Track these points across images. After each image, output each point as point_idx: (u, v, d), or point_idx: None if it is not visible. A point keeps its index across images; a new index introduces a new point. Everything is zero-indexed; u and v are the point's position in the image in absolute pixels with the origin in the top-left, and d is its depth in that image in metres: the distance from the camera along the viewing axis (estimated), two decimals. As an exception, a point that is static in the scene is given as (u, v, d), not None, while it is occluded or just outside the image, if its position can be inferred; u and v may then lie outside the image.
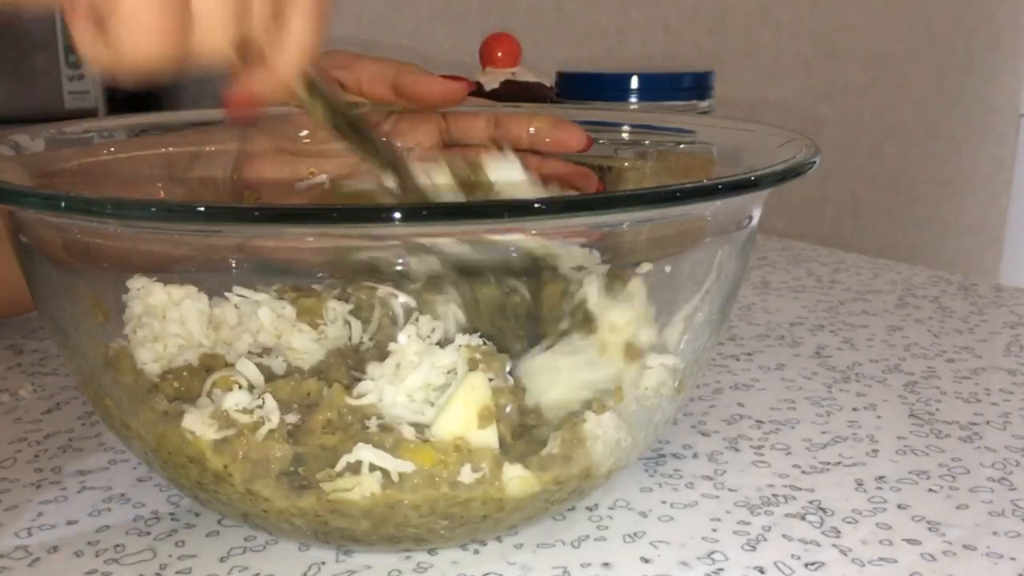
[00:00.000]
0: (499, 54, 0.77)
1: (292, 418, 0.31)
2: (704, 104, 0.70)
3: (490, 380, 0.31)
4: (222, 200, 0.48)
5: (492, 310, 0.34)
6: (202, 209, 0.27)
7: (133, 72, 0.30)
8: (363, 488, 0.30)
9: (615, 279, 0.35)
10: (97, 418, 0.45)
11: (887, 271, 0.73)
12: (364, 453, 0.30)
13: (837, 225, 1.63)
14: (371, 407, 0.31)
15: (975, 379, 0.51)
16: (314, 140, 0.48)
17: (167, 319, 0.34)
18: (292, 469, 0.31)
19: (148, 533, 0.35)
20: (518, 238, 0.32)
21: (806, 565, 0.33)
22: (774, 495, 0.38)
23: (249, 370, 0.32)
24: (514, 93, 0.75)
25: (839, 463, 0.41)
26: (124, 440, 0.34)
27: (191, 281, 0.35)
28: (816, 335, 0.58)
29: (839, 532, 0.35)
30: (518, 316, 0.35)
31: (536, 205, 0.27)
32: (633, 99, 0.68)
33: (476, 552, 0.34)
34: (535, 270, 0.36)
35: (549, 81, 0.76)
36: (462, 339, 0.32)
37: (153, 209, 0.27)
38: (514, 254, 0.33)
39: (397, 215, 0.26)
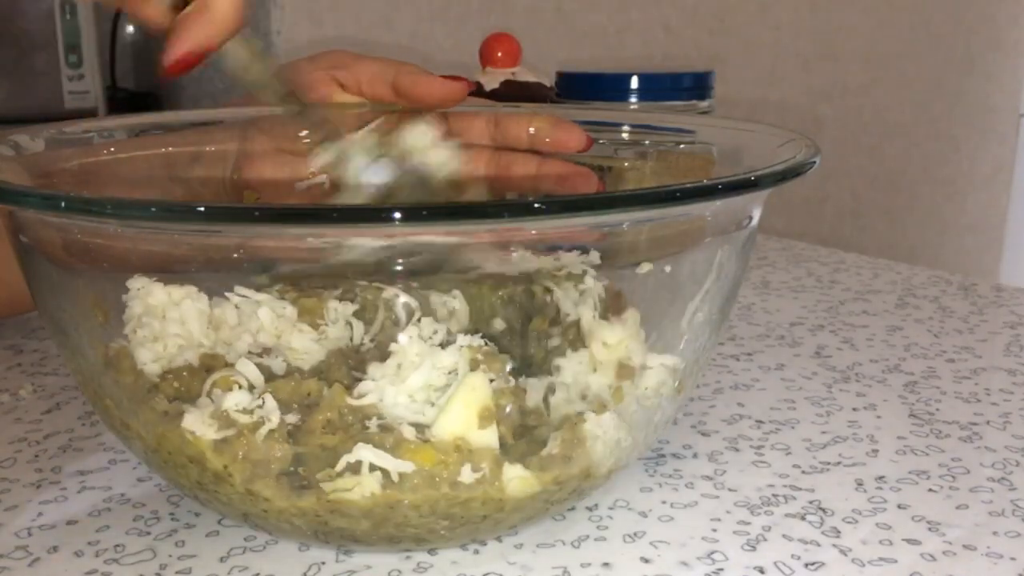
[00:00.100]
0: (499, 54, 0.77)
1: (292, 418, 0.31)
2: (704, 104, 0.70)
3: (491, 381, 0.31)
4: (222, 200, 0.48)
5: (493, 313, 0.34)
6: (202, 209, 0.26)
7: None
8: (363, 488, 0.30)
9: (609, 307, 0.36)
10: (97, 418, 0.45)
11: (887, 271, 0.73)
12: (364, 453, 0.30)
13: (837, 225, 1.63)
14: (371, 407, 0.31)
15: (975, 379, 0.51)
16: (314, 140, 0.48)
17: (167, 319, 0.35)
18: (292, 469, 0.31)
19: (148, 533, 0.35)
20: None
21: (806, 565, 0.33)
22: (774, 495, 0.38)
23: (249, 370, 0.32)
24: (514, 93, 0.75)
25: (839, 463, 0.41)
26: (124, 440, 0.34)
27: (191, 281, 0.35)
28: (816, 335, 0.58)
29: (839, 532, 0.35)
30: (512, 329, 0.35)
31: (536, 205, 0.27)
32: (633, 99, 0.68)
33: (476, 552, 0.34)
34: (530, 294, 0.36)
35: (549, 81, 0.76)
36: (463, 339, 0.32)
37: (153, 209, 0.27)
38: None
39: (397, 215, 0.26)
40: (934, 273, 0.72)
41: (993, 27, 1.71)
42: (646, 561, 0.34)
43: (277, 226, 0.28)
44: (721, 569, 0.33)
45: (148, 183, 0.46)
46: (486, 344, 0.32)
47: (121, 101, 1.28)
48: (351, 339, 0.36)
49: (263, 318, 0.35)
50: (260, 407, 0.31)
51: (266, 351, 0.35)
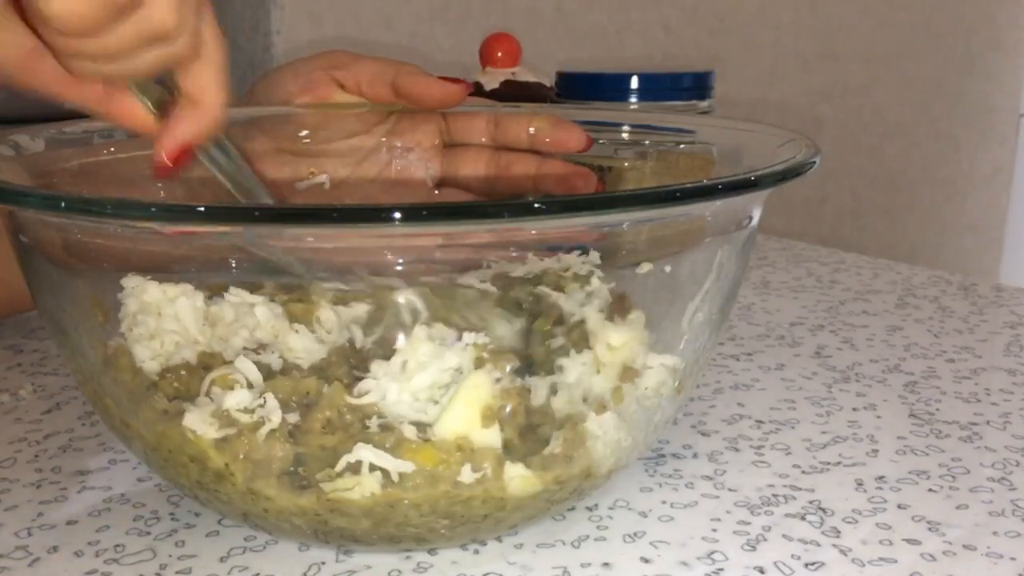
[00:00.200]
0: (499, 54, 0.77)
1: (293, 418, 0.31)
2: (704, 104, 0.70)
3: (497, 380, 0.31)
4: (222, 200, 0.48)
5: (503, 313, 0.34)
6: (202, 209, 0.26)
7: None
8: (363, 488, 0.30)
9: (615, 309, 0.36)
10: (97, 418, 0.45)
11: (887, 271, 0.73)
12: (364, 453, 0.30)
13: (837, 225, 1.63)
14: (371, 406, 0.31)
15: (975, 379, 0.51)
16: (314, 140, 0.49)
17: (162, 316, 0.34)
18: (293, 469, 0.31)
19: (148, 533, 0.35)
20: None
21: (806, 565, 0.33)
22: (774, 495, 0.38)
23: (247, 367, 0.32)
24: (514, 93, 0.75)
25: (839, 463, 0.41)
26: (124, 440, 0.34)
27: (188, 280, 0.35)
28: (816, 335, 0.58)
29: (839, 532, 0.35)
30: (517, 329, 0.35)
31: (536, 205, 0.27)
32: (633, 99, 0.68)
33: (476, 552, 0.34)
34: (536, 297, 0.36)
35: (549, 81, 0.76)
36: (469, 337, 0.31)
37: (153, 209, 0.27)
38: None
39: (397, 215, 0.26)
40: (934, 273, 0.72)
41: (993, 27, 1.71)
42: (646, 561, 0.34)
43: (277, 226, 0.28)
44: (721, 569, 0.33)
45: (148, 183, 0.46)
46: (491, 343, 0.32)
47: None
48: (350, 341, 0.35)
49: (260, 315, 0.35)
50: (261, 406, 0.31)
51: (262, 347, 0.35)
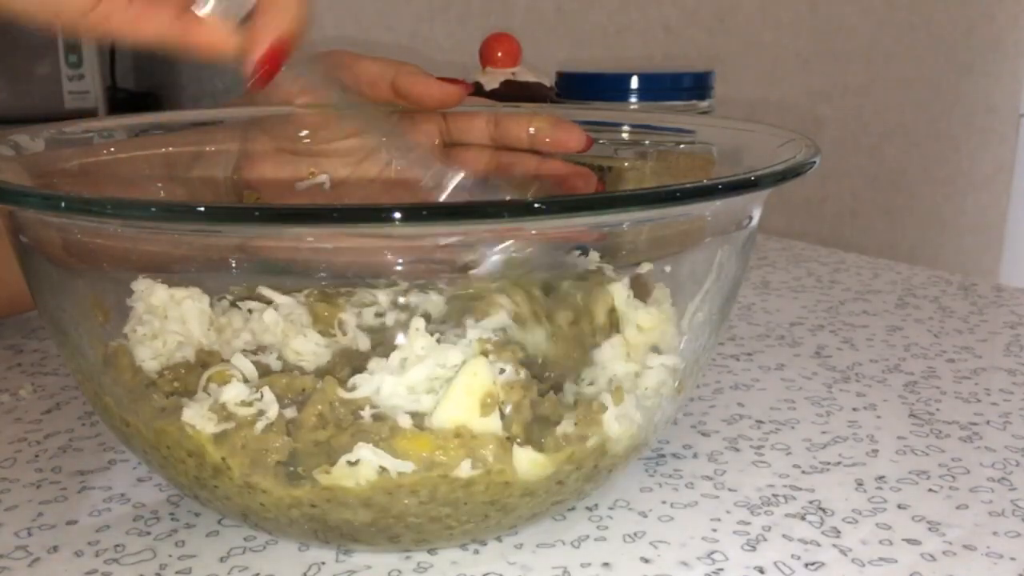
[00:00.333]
0: (499, 54, 0.77)
1: (290, 412, 0.31)
2: (704, 104, 0.70)
3: (501, 372, 0.31)
4: (222, 200, 0.48)
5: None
6: (202, 209, 0.27)
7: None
8: (359, 476, 0.30)
9: (638, 287, 0.36)
10: (97, 418, 0.45)
11: (887, 271, 0.73)
12: (364, 453, 0.30)
13: (837, 225, 1.63)
14: (364, 399, 0.31)
15: (975, 379, 0.51)
16: (314, 140, 0.49)
17: (168, 318, 0.35)
18: (289, 462, 0.31)
19: (148, 533, 0.35)
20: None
21: (806, 565, 0.33)
22: (774, 495, 0.38)
23: (243, 364, 0.32)
24: (514, 93, 0.75)
25: (839, 463, 0.41)
26: (123, 438, 0.34)
27: (193, 282, 0.35)
28: (816, 335, 0.58)
29: (839, 532, 0.35)
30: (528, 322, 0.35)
31: (536, 205, 0.27)
32: (633, 99, 0.68)
33: (476, 552, 0.34)
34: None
35: (549, 81, 0.76)
36: (474, 332, 0.31)
37: (153, 209, 0.27)
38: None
39: (397, 215, 0.26)
40: (934, 273, 0.72)
41: (993, 27, 1.71)
42: (646, 561, 0.34)
43: (277, 226, 0.28)
44: (721, 569, 0.33)
45: (148, 183, 0.46)
46: (495, 335, 0.32)
47: (121, 101, 1.28)
48: (357, 347, 0.36)
49: (268, 319, 0.35)
50: (259, 400, 0.31)
51: (261, 348, 0.35)
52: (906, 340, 0.57)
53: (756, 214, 0.36)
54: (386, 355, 0.31)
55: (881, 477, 0.40)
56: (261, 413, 0.30)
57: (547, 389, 0.33)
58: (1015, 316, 0.62)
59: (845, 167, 1.60)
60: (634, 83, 0.68)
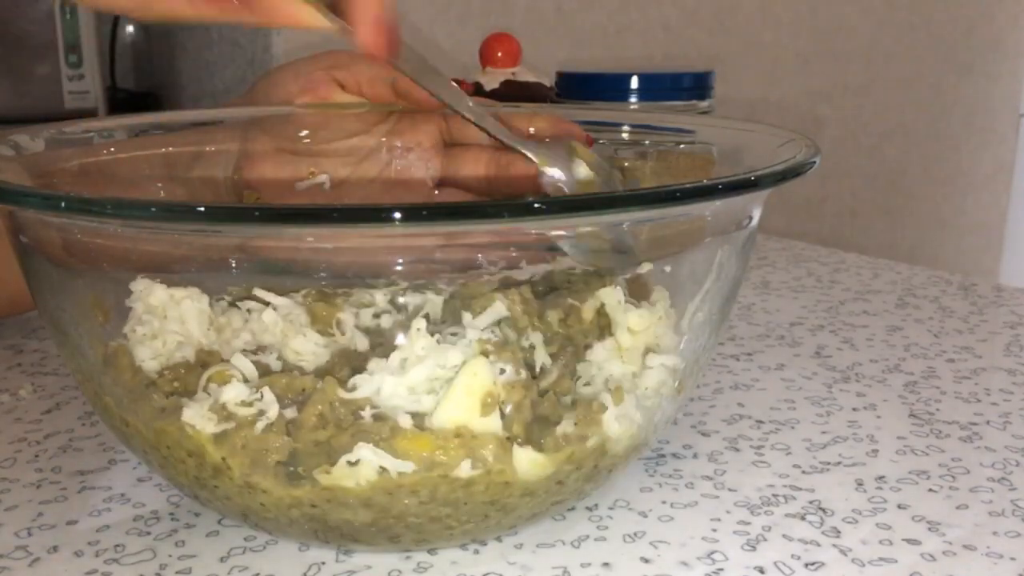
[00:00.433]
0: (499, 54, 0.77)
1: (290, 413, 0.31)
2: (704, 104, 0.70)
3: (501, 372, 0.31)
4: (222, 200, 0.48)
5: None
6: (202, 209, 0.27)
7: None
8: (359, 476, 0.30)
9: (636, 288, 0.36)
10: (97, 418, 0.45)
11: (887, 271, 0.73)
12: (364, 453, 0.30)
13: (837, 225, 1.63)
14: (365, 400, 0.31)
15: (975, 379, 0.51)
16: (314, 140, 0.49)
17: (168, 318, 0.35)
18: (290, 463, 0.31)
19: (148, 533, 0.35)
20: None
21: (806, 565, 0.33)
22: (774, 495, 0.38)
23: (243, 364, 0.32)
24: (514, 93, 0.75)
25: (839, 463, 0.41)
26: (123, 438, 0.34)
27: (193, 283, 0.35)
28: (816, 335, 0.58)
29: (839, 532, 0.35)
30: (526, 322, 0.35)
31: (536, 205, 0.27)
32: (633, 99, 0.68)
33: (476, 552, 0.34)
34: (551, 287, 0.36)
35: (549, 81, 0.76)
36: (473, 333, 0.31)
37: (153, 209, 0.27)
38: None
39: (397, 215, 0.26)
40: (934, 273, 0.72)
41: (993, 27, 1.71)
42: (646, 561, 0.34)
43: (277, 226, 0.28)
44: (721, 569, 0.33)
45: (148, 183, 0.46)
46: (494, 336, 0.32)
47: (121, 101, 1.28)
48: (355, 347, 0.36)
49: (267, 319, 0.35)
50: (259, 400, 0.31)
51: (261, 348, 0.35)
52: (906, 340, 0.57)
53: (756, 214, 0.36)
54: (385, 355, 0.31)
55: (881, 477, 0.40)
56: (261, 413, 0.31)
57: (545, 390, 0.33)
58: (1015, 316, 0.62)
59: (845, 167, 1.60)
60: (634, 83, 0.68)
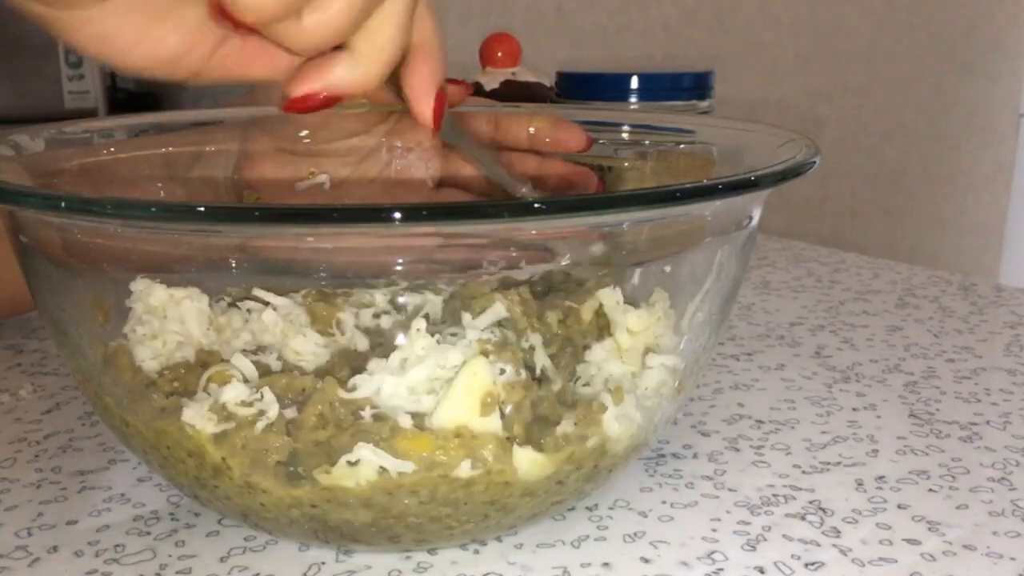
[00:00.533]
0: (499, 54, 0.77)
1: (290, 413, 0.31)
2: (704, 104, 0.70)
3: (501, 372, 0.31)
4: (222, 200, 0.48)
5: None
6: (202, 209, 0.26)
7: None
8: (359, 476, 0.30)
9: (636, 291, 0.36)
10: (97, 418, 0.45)
11: (887, 271, 0.73)
12: (364, 453, 0.30)
13: (837, 225, 1.63)
14: (365, 400, 0.31)
15: (975, 379, 0.51)
16: (314, 140, 0.49)
17: (168, 318, 0.35)
18: (290, 463, 0.31)
19: (148, 533, 0.35)
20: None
21: (806, 565, 0.33)
22: (774, 495, 0.38)
23: (243, 364, 0.32)
24: (514, 93, 0.75)
25: (839, 463, 0.41)
26: (123, 438, 0.34)
27: (193, 283, 0.35)
28: (816, 335, 0.58)
29: (839, 532, 0.35)
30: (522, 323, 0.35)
31: (536, 205, 0.27)
32: (633, 99, 0.68)
33: (476, 552, 0.34)
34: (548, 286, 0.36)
35: (549, 81, 0.76)
36: (473, 333, 0.31)
37: (153, 209, 0.27)
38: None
39: (397, 215, 0.26)
40: (934, 273, 0.72)
41: (993, 27, 1.71)
42: (646, 561, 0.34)
43: (277, 226, 0.28)
44: (721, 569, 0.33)
45: (148, 183, 0.46)
46: (495, 336, 0.32)
47: (121, 101, 1.28)
48: (355, 347, 0.36)
49: (267, 319, 0.35)
50: (259, 400, 0.31)
51: (261, 348, 0.35)
52: (906, 340, 0.57)
53: (756, 214, 0.36)
54: (385, 355, 0.31)
55: (881, 477, 0.40)
56: (261, 413, 0.31)
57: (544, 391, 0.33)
58: (1015, 316, 0.62)
59: (845, 167, 1.60)
60: (634, 83, 0.68)
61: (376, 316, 0.36)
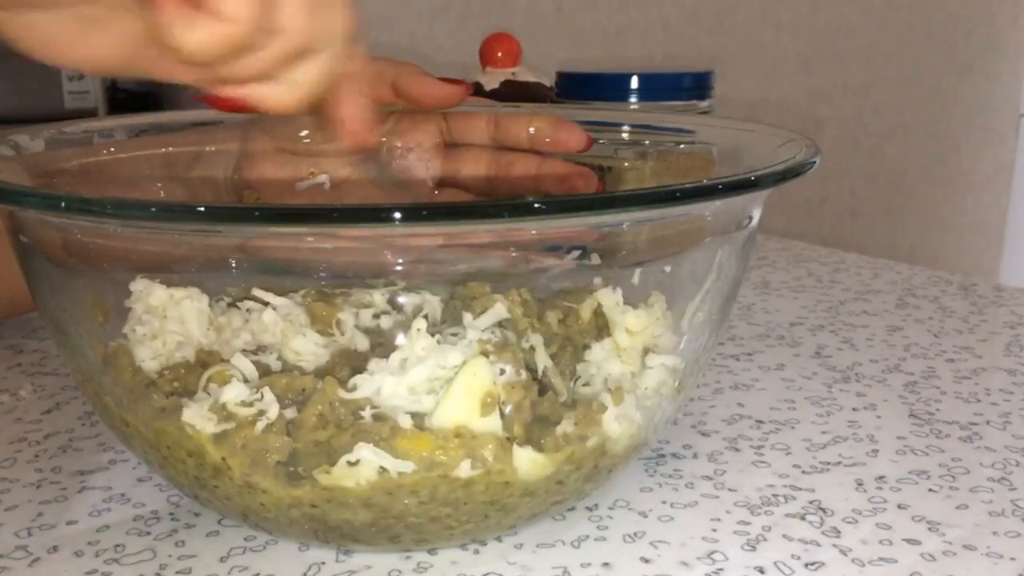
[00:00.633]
0: (499, 54, 0.77)
1: (290, 413, 0.31)
2: (704, 104, 0.70)
3: (501, 372, 0.31)
4: (222, 200, 0.48)
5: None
6: (202, 209, 0.27)
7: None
8: (359, 476, 0.30)
9: (636, 291, 0.36)
10: (97, 418, 0.45)
11: (887, 271, 0.73)
12: (364, 453, 0.30)
13: (837, 225, 1.63)
14: (365, 400, 0.31)
15: (975, 379, 0.51)
16: (314, 140, 0.49)
17: (168, 318, 0.35)
18: (290, 463, 0.31)
19: (148, 533, 0.35)
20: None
21: (806, 565, 0.33)
22: (774, 495, 0.38)
23: (243, 364, 0.32)
24: (514, 93, 0.75)
25: (839, 463, 0.41)
26: (123, 438, 0.34)
27: (193, 283, 0.35)
28: (816, 335, 0.58)
29: (839, 532, 0.35)
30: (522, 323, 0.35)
31: (536, 205, 0.27)
32: (633, 99, 0.68)
33: (476, 552, 0.34)
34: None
35: (549, 81, 0.76)
36: (473, 333, 0.31)
37: (153, 209, 0.27)
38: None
39: (397, 215, 0.26)
40: (934, 273, 0.72)
41: (993, 27, 1.71)
42: (646, 561, 0.34)
43: (277, 226, 0.28)
44: (721, 569, 0.33)
45: (148, 183, 0.46)
46: (495, 336, 0.32)
47: (121, 101, 1.28)
48: (355, 347, 0.36)
49: (267, 319, 0.35)
50: (259, 400, 0.31)
51: (261, 348, 0.35)
52: (906, 340, 0.57)
53: (756, 214, 0.36)
54: (385, 355, 0.31)
55: (881, 477, 0.40)
56: (261, 413, 0.31)
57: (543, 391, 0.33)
58: (1015, 316, 0.62)
59: (845, 167, 1.60)
60: (634, 83, 0.68)
61: (376, 316, 0.36)
